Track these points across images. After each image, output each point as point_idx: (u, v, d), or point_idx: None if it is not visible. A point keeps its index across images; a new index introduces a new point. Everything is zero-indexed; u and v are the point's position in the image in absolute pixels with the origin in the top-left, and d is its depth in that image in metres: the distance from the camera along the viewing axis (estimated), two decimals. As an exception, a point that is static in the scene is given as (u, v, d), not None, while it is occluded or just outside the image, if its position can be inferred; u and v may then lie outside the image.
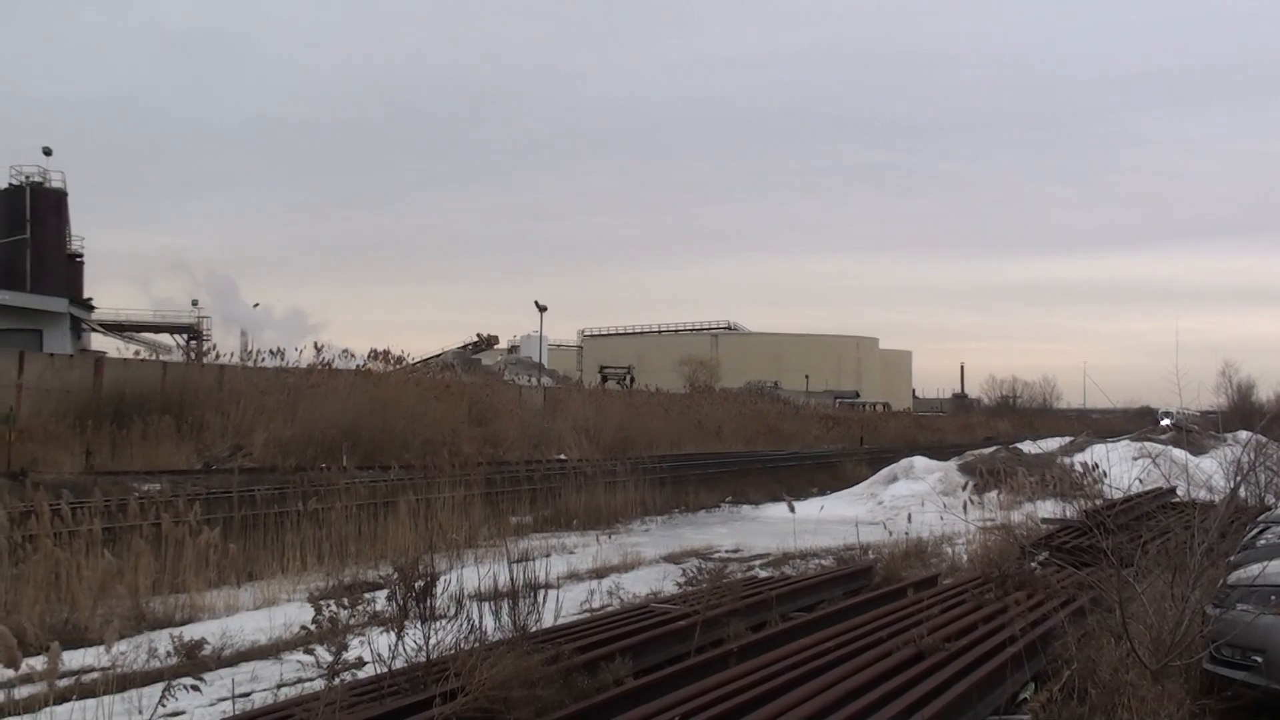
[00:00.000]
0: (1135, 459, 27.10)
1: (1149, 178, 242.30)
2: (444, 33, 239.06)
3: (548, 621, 9.34)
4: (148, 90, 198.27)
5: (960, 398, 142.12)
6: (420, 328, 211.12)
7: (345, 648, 6.93)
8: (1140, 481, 22.41)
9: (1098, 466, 24.44)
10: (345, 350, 40.76)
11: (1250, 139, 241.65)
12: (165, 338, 74.45)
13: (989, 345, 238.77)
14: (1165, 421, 76.83)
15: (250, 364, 39.43)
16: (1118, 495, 19.64)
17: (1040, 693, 8.01)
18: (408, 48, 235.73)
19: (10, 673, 8.12)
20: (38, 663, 7.17)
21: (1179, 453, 27.85)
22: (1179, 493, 22.24)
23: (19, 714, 7.93)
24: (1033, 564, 13.23)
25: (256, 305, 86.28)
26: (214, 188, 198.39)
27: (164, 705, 6.25)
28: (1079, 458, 30.48)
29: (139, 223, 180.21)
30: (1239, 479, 12.39)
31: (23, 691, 8.47)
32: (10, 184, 62.84)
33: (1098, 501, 17.70)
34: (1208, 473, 19.24)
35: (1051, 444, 43.17)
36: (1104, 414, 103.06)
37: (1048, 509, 21.87)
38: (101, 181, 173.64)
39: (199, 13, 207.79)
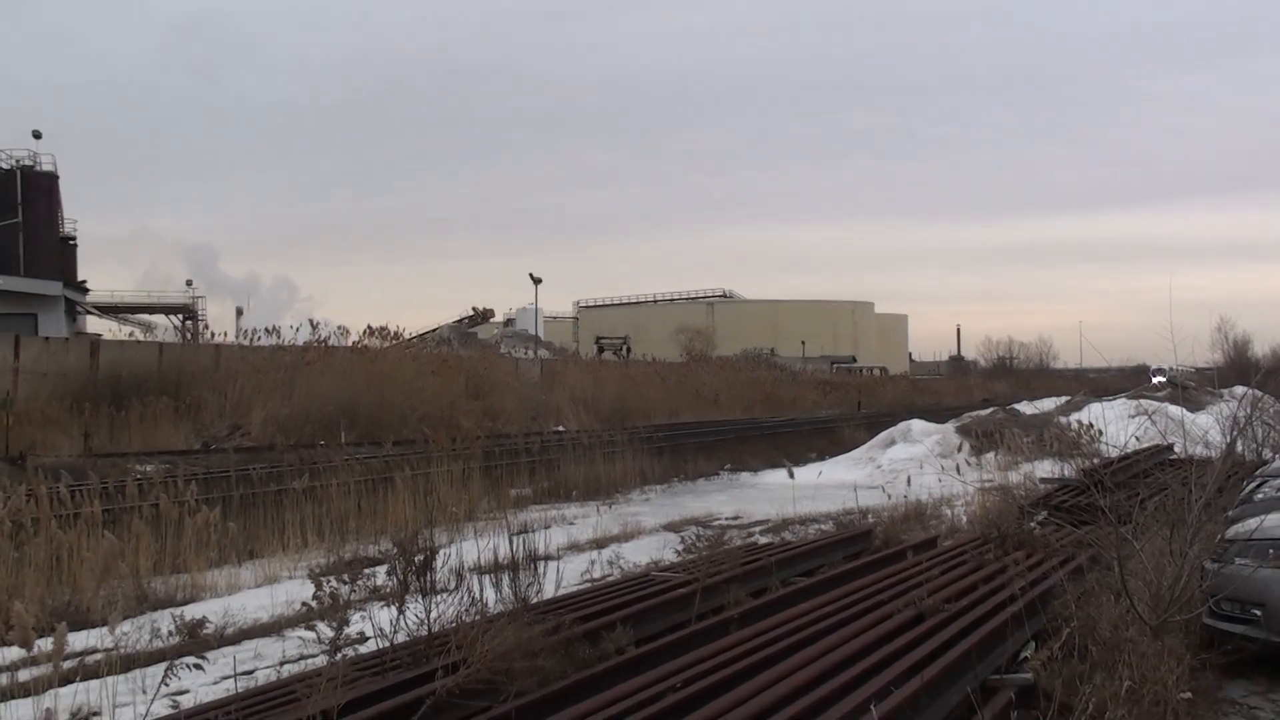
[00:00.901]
0: (1132, 417, 27.18)
1: (1144, 135, 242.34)
2: (435, 9, 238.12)
3: (548, 592, 9.37)
4: (142, 74, 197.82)
5: (957, 360, 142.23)
6: (416, 304, 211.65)
7: (347, 623, 6.94)
8: (1137, 439, 22.45)
9: (1094, 425, 24.49)
10: (341, 327, 40.69)
11: (1245, 93, 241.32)
12: (160, 318, 74.34)
13: (985, 307, 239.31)
14: (1158, 379, 76.57)
15: (246, 343, 39.40)
16: (1115, 453, 19.67)
17: (1041, 651, 8.03)
18: (398, 26, 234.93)
19: (16, 654, 8.16)
20: (42, 645, 7.18)
21: (1175, 409, 27.92)
22: (1176, 449, 22.30)
23: (24, 696, 7.95)
24: (1031, 524, 13.25)
25: (251, 287, 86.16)
26: (208, 170, 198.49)
27: (167, 684, 6.25)
28: (1076, 417, 30.56)
29: (134, 206, 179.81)
30: (1235, 434, 12.43)
31: (27, 674, 8.50)
32: (0, 168, 62.61)
33: (1095, 460, 17.74)
34: (1204, 428, 19.26)
35: (1048, 404, 43.34)
36: (1101, 373, 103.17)
37: (1046, 469, 21.91)
38: (97, 166, 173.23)
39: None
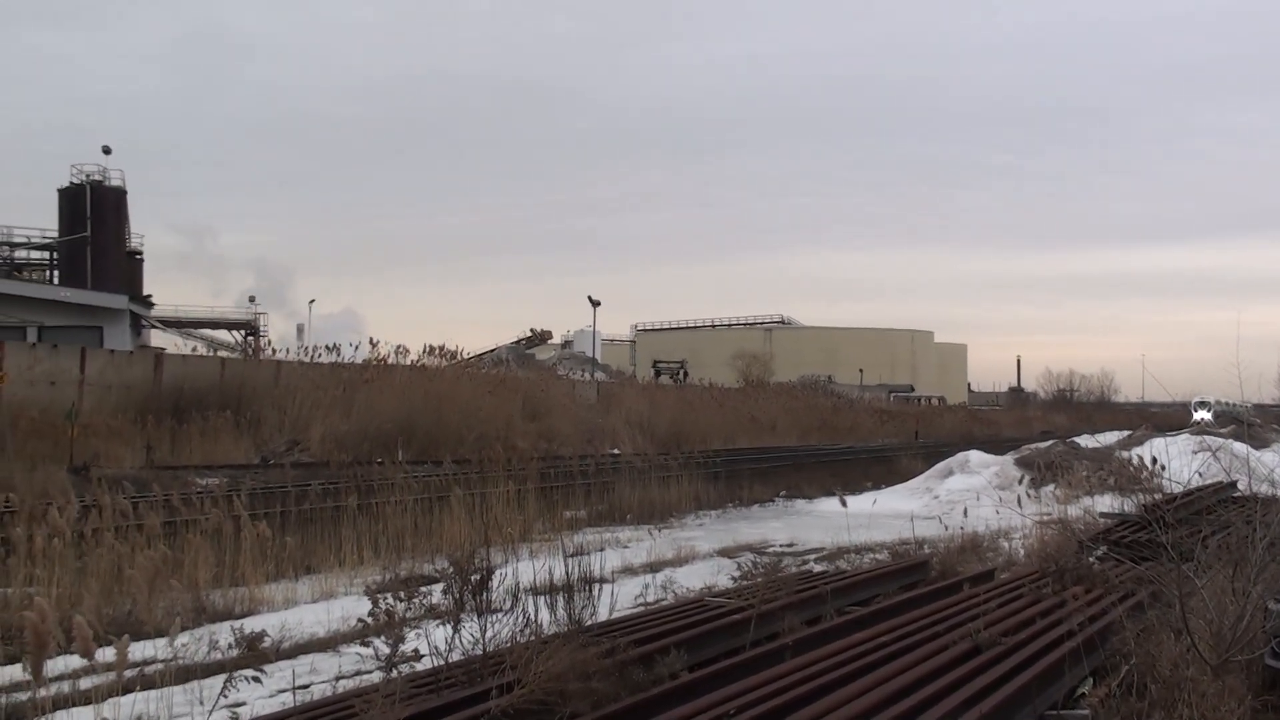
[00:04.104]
0: (1195, 453, 26.73)
1: (1206, 169, 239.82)
2: (495, 31, 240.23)
3: (602, 615, 9.36)
4: (202, 90, 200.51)
5: (1016, 391, 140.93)
6: (474, 324, 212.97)
7: (402, 640, 6.99)
8: (1200, 475, 22.11)
9: (1156, 460, 24.18)
10: (400, 346, 40.98)
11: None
12: (222, 334, 75.34)
13: (1046, 339, 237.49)
14: (1201, 414, 73.41)
15: (306, 359, 39.77)
16: (1177, 489, 19.41)
17: (1099, 688, 7.94)
18: (459, 46, 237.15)
19: (77, 662, 8.27)
20: (103, 655, 7.29)
21: (1240, 446, 27.51)
22: (1240, 487, 21.95)
23: (85, 704, 8.05)
24: (1090, 559, 13.10)
25: (313, 301, 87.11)
26: (267, 186, 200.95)
27: (225, 696, 6.33)
28: (1137, 451, 30.19)
29: (196, 220, 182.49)
30: (1302, 472, 12.24)
31: (88, 682, 8.61)
32: (71, 183, 63.77)
33: (1157, 496, 17.51)
34: (1270, 466, 18.99)
35: (1109, 438, 42.76)
36: (1163, 407, 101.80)
37: (1106, 503, 21.64)
38: (155, 180, 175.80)
39: (252, 14, 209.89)
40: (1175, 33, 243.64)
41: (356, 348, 40.83)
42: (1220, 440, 31.51)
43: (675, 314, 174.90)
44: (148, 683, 8.67)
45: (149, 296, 63.71)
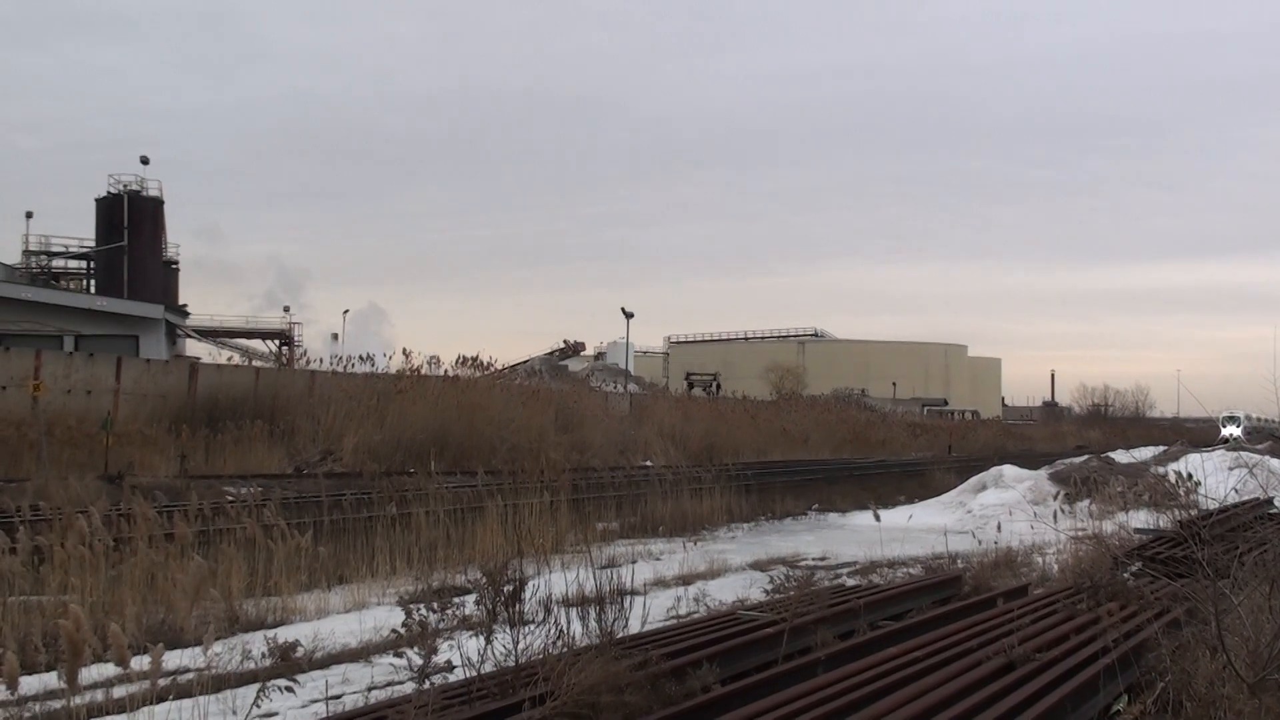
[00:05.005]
0: (1231, 469, 26.53)
1: (1245, 185, 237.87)
2: (535, 45, 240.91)
3: (634, 628, 9.34)
4: (241, 102, 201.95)
5: (1051, 406, 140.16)
6: (507, 334, 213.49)
7: (435, 651, 6.99)
8: (1236, 491, 21.94)
9: (1192, 476, 23.99)
10: (433, 357, 41.10)
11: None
12: (256, 343, 75.76)
13: (1081, 353, 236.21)
14: (1230, 430, 71.27)
15: (340, 369, 39.94)
16: (1213, 505, 19.25)
17: (1134, 705, 7.87)
18: (500, 60, 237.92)
19: (111, 671, 8.33)
20: (137, 663, 7.34)
21: (1277, 463, 27.26)
22: (1277, 503, 21.76)
23: (119, 713, 8.10)
24: (1125, 575, 13.00)
25: (346, 312, 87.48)
26: (303, 197, 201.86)
27: (259, 706, 6.35)
28: (1173, 467, 29.93)
29: (229, 230, 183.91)
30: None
31: (121, 690, 8.66)
32: (109, 192, 64.37)
33: (1192, 512, 17.35)
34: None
35: (1145, 453, 42.51)
36: (1199, 423, 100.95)
37: (1141, 519, 21.48)
38: (179, 188, 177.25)
39: (293, 28, 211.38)
40: (1215, 47, 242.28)
41: (390, 358, 41.01)
42: (1257, 456, 31.24)
43: (708, 326, 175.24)
44: (182, 692, 8.72)
45: (184, 306, 64.17)
